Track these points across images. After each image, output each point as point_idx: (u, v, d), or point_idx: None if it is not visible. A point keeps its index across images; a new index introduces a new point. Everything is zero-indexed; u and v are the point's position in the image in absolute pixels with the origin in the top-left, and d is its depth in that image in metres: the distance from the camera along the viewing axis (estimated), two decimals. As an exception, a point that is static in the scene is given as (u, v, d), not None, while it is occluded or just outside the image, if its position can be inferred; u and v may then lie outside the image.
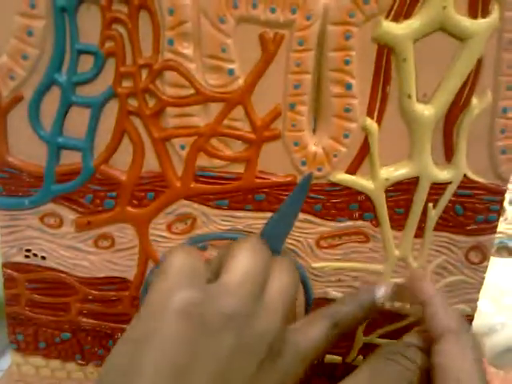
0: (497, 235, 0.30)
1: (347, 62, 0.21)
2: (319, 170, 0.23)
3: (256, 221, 0.24)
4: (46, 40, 0.21)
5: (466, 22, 0.21)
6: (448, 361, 0.20)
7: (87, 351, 0.26)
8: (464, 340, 0.21)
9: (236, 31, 0.21)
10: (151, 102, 0.22)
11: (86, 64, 0.22)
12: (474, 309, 0.26)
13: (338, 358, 0.27)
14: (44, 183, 0.23)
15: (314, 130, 0.23)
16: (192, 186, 0.23)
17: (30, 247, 0.24)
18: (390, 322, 0.26)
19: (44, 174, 0.23)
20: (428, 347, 0.21)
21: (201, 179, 0.23)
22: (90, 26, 0.21)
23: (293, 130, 0.23)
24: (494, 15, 0.20)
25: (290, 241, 0.24)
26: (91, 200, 0.23)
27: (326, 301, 0.25)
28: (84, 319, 0.25)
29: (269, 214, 0.24)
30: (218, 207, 0.24)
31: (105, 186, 0.23)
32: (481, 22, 0.20)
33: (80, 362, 0.26)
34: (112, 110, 0.22)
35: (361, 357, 0.27)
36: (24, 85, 0.22)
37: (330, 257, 0.25)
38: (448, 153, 0.23)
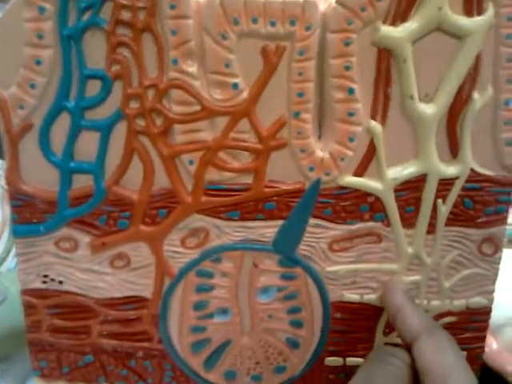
0: (508, 227, 0.31)
1: (348, 68, 0.22)
2: (327, 174, 0.23)
3: (268, 229, 0.24)
4: (53, 68, 0.22)
5: (462, 21, 0.21)
6: (428, 361, 0.20)
7: (110, 373, 0.26)
8: (438, 337, 0.21)
9: (238, 46, 0.21)
10: (159, 121, 0.22)
11: (94, 88, 0.22)
12: (491, 300, 0.26)
13: (359, 360, 0.27)
14: (58, 208, 0.23)
15: (320, 136, 0.23)
16: (203, 199, 0.24)
17: (47, 273, 0.24)
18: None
19: (57, 199, 0.23)
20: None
21: (211, 192, 0.24)
22: (95, 51, 0.21)
23: (298, 137, 0.23)
24: (490, 12, 0.21)
25: (303, 246, 0.25)
26: (105, 221, 0.24)
27: (342, 303, 0.26)
28: (105, 340, 0.26)
29: (280, 222, 0.24)
30: (230, 219, 0.24)
31: (118, 206, 0.24)
32: (477, 20, 0.21)
33: None
34: (121, 131, 0.23)
35: (382, 357, 0.27)
36: (34, 113, 0.22)
37: (343, 260, 0.25)
38: (453, 149, 0.24)
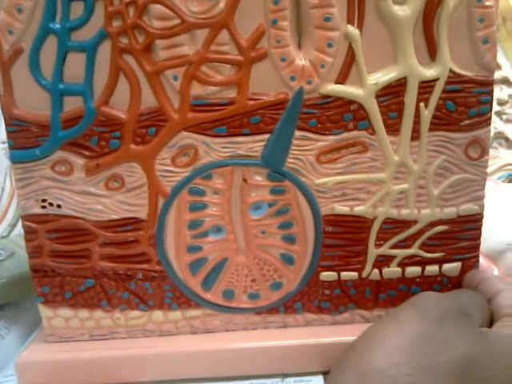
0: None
1: (321, -27, 0.22)
2: (309, 83, 0.24)
3: (255, 144, 0.25)
4: (37, -9, 0.23)
5: None
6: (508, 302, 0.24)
7: (112, 296, 0.27)
8: None
9: (211, -45, 0.22)
10: (141, 38, 0.23)
11: (78, 10, 0.23)
12: (482, 206, 0.26)
13: (353, 274, 0.27)
14: (51, 131, 0.24)
15: (300, 46, 0.24)
16: (189, 116, 0.24)
17: (45, 197, 0.25)
18: (399, 232, 0.26)
19: (50, 122, 0.24)
20: None
21: (196, 108, 0.24)
22: (75, -30, 0.22)
23: (278, 46, 0.23)
24: None
25: (290, 160, 0.25)
26: (97, 142, 0.25)
27: (333, 216, 0.26)
28: (105, 263, 0.26)
29: (267, 136, 0.25)
30: (217, 135, 0.25)
31: (108, 126, 0.24)
32: None
33: (106, 308, 0.27)
34: (106, 50, 0.23)
35: (376, 270, 0.27)
36: (23, 37, 0.23)
37: (331, 171, 0.25)
38: (431, 51, 0.24)
